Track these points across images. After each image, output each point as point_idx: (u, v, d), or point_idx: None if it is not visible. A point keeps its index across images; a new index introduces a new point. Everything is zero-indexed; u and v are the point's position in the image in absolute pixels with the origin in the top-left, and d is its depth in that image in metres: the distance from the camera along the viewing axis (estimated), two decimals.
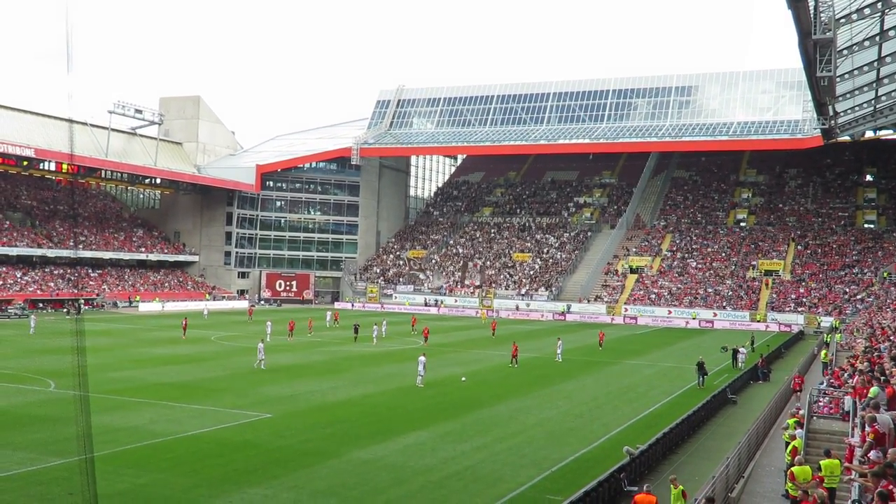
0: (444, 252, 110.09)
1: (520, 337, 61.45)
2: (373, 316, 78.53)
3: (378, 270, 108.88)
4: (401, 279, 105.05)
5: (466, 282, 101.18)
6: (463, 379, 38.14)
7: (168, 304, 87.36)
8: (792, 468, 16.35)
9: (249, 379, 37.34)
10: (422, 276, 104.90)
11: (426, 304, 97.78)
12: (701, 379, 39.44)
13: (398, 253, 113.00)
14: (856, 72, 43.82)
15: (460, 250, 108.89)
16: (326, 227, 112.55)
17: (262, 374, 38.90)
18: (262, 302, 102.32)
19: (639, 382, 40.57)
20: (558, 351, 48.99)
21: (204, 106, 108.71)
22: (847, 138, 73.23)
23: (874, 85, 47.46)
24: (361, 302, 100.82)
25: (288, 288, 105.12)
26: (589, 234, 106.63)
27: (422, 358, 37.21)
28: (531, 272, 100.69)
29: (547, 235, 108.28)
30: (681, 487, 15.74)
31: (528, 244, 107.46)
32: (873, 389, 17.58)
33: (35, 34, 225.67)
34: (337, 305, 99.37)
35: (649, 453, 22.22)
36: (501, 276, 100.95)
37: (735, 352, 48.84)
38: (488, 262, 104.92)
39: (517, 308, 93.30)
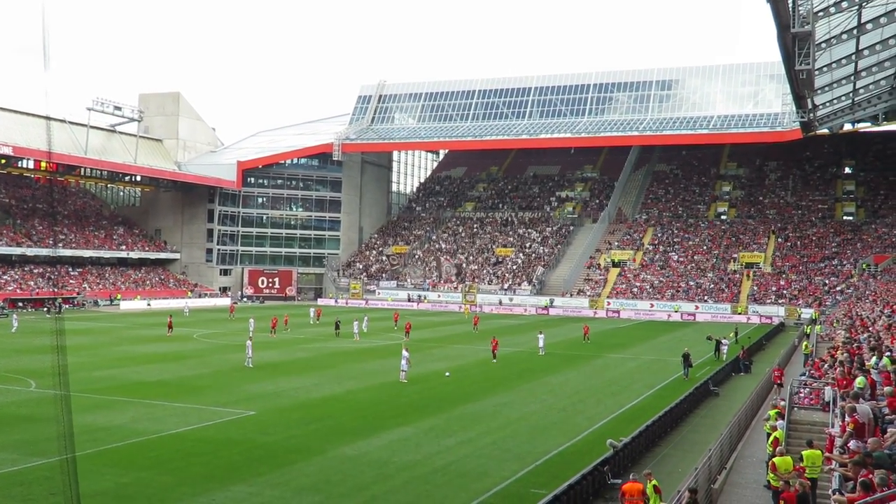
0: (427, 247, 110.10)
1: (503, 331, 61.56)
2: (355, 312, 78.34)
3: (361, 266, 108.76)
4: (384, 275, 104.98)
5: (443, 277, 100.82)
6: (447, 374, 38.07)
7: (154, 302, 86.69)
8: (773, 459, 16.47)
9: (232, 376, 37.19)
10: (405, 269, 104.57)
11: (409, 300, 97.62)
12: (686, 370, 39.77)
13: (381, 249, 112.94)
14: (834, 65, 44.16)
15: (443, 245, 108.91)
16: (308, 223, 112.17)
17: (245, 372, 38.75)
18: (245, 299, 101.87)
19: (622, 376, 40.78)
20: (540, 345, 49.07)
21: (184, 102, 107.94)
22: (826, 131, 73.88)
23: (852, 78, 47.89)
24: (345, 298, 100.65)
25: (270, 285, 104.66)
26: (571, 228, 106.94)
27: (405, 353, 37.01)
28: (514, 267, 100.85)
29: (529, 230, 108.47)
30: (654, 482, 15.77)
31: (511, 239, 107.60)
32: (860, 380, 17.81)
33: (11, 30, 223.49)
34: (320, 302, 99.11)
35: (633, 446, 22.33)
36: (484, 271, 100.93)
37: (718, 343, 49.22)
38: (471, 258, 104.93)
39: (500, 303, 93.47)
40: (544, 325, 65.96)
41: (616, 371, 42.48)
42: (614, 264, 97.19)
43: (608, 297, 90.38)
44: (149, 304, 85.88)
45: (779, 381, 32.40)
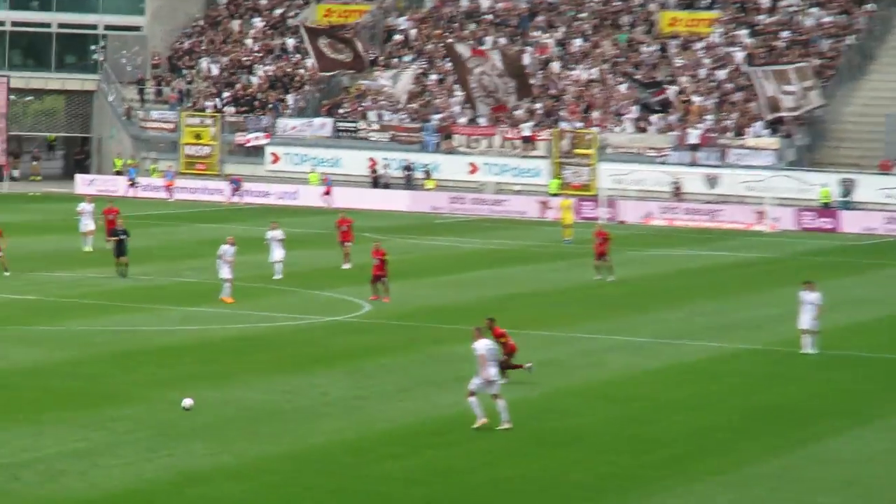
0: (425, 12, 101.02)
1: (684, 282, 55.91)
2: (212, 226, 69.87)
3: (213, 67, 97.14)
4: (292, 100, 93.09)
5: (514, 114, 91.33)
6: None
7: None
8: None
9: None
10: (365, 83, 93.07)
11: (376, 184, 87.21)
12: None
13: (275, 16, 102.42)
14: None
15: None
16: None
17: None
18: None
19: None
20: (804, 326, 38.51)
21: None
22: None
23: None
24: (166, 174, 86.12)
25: None
26: None
27: (483, 344, 27.09)
28: (714, 84, 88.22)
29: None
30: None
31: None
32: None
33: None
34: (84, 188, 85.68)
35: None
36: (619, 96, 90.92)
37: None
38: (577, 49, 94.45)
39: (677, 188, 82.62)
40: (819, 270, 56.78)
41: None
42: None
43: None
44: None
45: None
